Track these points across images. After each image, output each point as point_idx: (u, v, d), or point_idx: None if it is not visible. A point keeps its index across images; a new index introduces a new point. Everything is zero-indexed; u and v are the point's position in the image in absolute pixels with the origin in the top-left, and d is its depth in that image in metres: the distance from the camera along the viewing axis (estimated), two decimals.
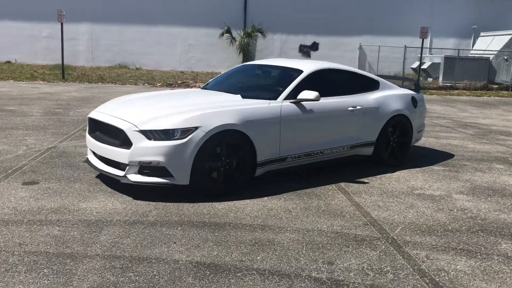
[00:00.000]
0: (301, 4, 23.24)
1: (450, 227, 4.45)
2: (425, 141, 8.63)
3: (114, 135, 4.94)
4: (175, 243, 3.83)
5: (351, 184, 5.69)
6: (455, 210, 4.94)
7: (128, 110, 5.18)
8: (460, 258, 3.81)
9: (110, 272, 3.30)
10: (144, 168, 4.72)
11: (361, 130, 6.17)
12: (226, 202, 4.83)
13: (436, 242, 4.09)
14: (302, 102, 5.55)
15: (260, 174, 5.35)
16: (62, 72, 17.27)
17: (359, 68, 24.04)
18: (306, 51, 24.22)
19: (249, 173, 5.21)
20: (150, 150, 4.65)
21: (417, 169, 6.56)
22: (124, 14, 22.38)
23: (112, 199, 4.77)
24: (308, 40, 24.07)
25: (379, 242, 4.03)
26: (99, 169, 5.06)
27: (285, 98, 5.52)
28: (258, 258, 3.63)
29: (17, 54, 22.38)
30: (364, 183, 5.77)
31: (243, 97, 5.59)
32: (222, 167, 4.96)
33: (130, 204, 4.66)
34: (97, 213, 4.40)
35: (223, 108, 5.04)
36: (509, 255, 3.91)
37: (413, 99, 6.86)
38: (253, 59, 23.36)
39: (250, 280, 3.28)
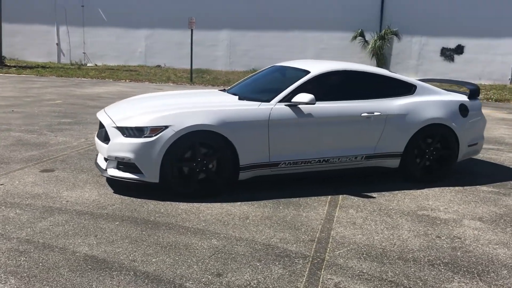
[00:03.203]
0: (443, 3, 21.43)
1: (409, 256, 3.79)
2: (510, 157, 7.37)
3: (103, 131, 5.24)
4: (95, 236, 3.94)
5: (352, 197, 5.17)
6: (443, 237, 4.18)
7: (120, 108, 5.46)
8: None
9: (8, 254, 3.55)
10: (120, 163, 4.93)
11: (382, 139, 5.55)
12: (193, 203, 4.78)
13: (369, 269, 3.53)
14: (299, 106, 5.22)
15: (246, 178, 5.16)
16: (190, 75, 18.60)
17: None
18: (449, 54, 22.22)
19: (231, 176, 5.07)
20: (123, 146, 4.84)
21: (456, 187, 5.66)
22: (260, 20, 23.15)
23: (94, 191, 5.07)
24: (451, 43, 22.05)
25: (300, 261, 3.62)
26: (96, 162, 5.41)
27: (281, 101, 5.24)
28: (153, 260, 3.56)
29: (167, 59, 24.65)
30: (370, 197, 5.19)
31: (240, 98, 5.47)
32: (198, 168, 4.92)
33: (104, 197, 4.90)
34: (66, 201, 4.73)
35: (201, 109, 5.00)
36: None
37: (462, 107, 5.93)
38: (387, 64, 22.32)
39: (118, 279, 3.24)
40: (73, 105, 11.35)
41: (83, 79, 18.47)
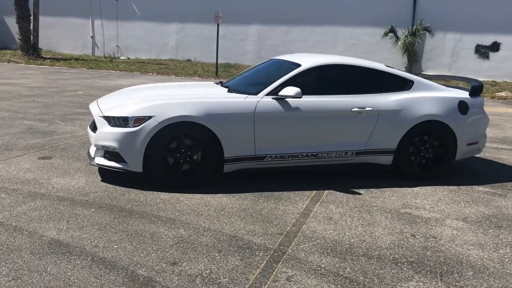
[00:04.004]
0: None
1: (375, 253, 3.71)
2: None
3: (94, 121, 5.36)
4: (68, 221, 4.04)
5: (337, 193, 5.09)
6: (417, 236, 4.07)
7: (111, 98, 5.56)
8: (327, 286, 3.19)
9: None
10: (106, 152, 5.02)
11: (374, 135, 5.44)
12: (175, 193, 4.83)
13: (328, 265, 3.48)
14: (286, 99, 5.18)
15: (231, 171, 5.17)
16: (216, 70, 18.72)
17: None
18: (484, 52, 21.45)
19: (215, 168, 5.08)
20: (108, 135, 4.93)
21: (451, 187, 5.49)
22: (290, 15, 23.01)
23: (83, 178, 5.20)
24: (487, 40, 21.27)
25: (260, 254, 3.61)
26: (88, 151, 5.53)
27: (268, 94, 5.21)
28: (115, 247, 3.62)
29: (197, 53, 24.85)
30: (356, 193, 5.10)
31: (230, 91, 5.48)
32: (182, 159, 4.97)
33: (90, 184, 5.01)
34: (52, 188, 4.87)
35: (186, 100, 5.03)
36: None
37: (462, 104, 5.73)
38: (419, 60, 21.80)
39: (74, 264, 3.32)
40: (93, 96, 11.60)
41: (111, 71, 18.86)
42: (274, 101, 5.17)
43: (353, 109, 5.34)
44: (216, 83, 6.25)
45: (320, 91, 5.39)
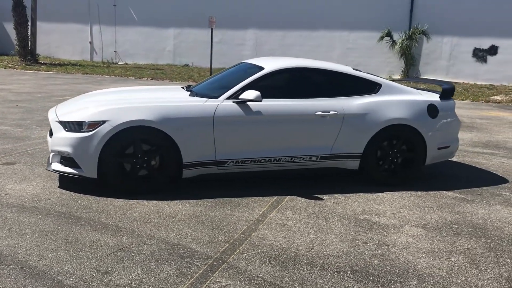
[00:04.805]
0: (477, 3, 20.51)
1: (320, 261, 3.58)
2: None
3: None
4: (9, 229, 3.94)
5: (299, 198, 4.96)
6: (369, 244, 3.93)
7: (70, 103, 5.48)
8: None
9: None
10: (62, 158, 4.93)
11: (339, 139, 5.31)
12: (129, 200, 4.72)
13: (266, 274, 3.35)
14: (247, 103, 5.06)
15: (190, 176, 5.06)
16: (210, 73, 18.66)
17: None
18: (481, 55, 21.23)
19: (174, 173, 4.98)
20: (63, 141, 4.84)
21: (419, 192, 5.35)
22: (287, 20, 22.93)
23: (40, 185, 5.10)
24: (484, 43, 21.05)
25: (199, 263, 3.49)
26: (48, 157, 5.44)
27: (229, 97, 5.11)
28: (49, 255, 3.51)
29: (194, 58, 24.82)
30: (318, 199, 4.97)
31: (191, 95, 5.39)
32: (139, 164, 4.86)
33: (45, 190, 4.92)
34: (6, 194, 4.77)
35: (142, 104, 4.93)
36: None
37: (431, 108, 5.59)
38: (416, 64, 21.62)
39: (0, 273, 3.21)
40: None
41: (106, 76, 18.84)
42: (235, 105, 5.06)
43: (317, 113, 5.21)
44: (182, 87, 6.14)
45: (283, 95, 5.28)
